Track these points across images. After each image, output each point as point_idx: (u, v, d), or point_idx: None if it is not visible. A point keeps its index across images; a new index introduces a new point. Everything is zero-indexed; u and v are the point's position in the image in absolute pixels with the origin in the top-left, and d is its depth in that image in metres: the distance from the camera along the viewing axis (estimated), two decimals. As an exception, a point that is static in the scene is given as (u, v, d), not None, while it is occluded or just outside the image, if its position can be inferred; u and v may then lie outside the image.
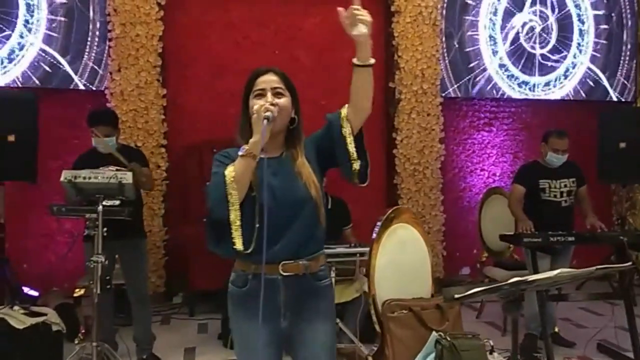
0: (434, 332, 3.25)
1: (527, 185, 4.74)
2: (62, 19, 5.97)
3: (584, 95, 7.29)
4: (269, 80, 2.22)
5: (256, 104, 2.15)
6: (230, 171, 2.08)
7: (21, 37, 5.91)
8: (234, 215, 2.09)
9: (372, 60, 2.12)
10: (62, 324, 4.18)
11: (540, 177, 4.72)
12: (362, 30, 2.06)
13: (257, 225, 2.08)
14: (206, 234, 2.22)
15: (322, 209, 2.21)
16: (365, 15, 2.06)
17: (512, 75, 7.04)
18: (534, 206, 4.68)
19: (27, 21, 5.92)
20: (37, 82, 5.95)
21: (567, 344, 4.77)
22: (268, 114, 2.10)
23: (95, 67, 6.03)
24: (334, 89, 6.51)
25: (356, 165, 2.19)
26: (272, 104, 2.14)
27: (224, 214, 2.09)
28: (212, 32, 6.37)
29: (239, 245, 2.10)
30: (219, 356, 4.57)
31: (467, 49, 6.88)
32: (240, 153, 2.09)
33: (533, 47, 7.11)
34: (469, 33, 6.88)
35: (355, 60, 2.13)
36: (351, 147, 2.18)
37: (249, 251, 2.10)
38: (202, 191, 5.65)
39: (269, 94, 2.18)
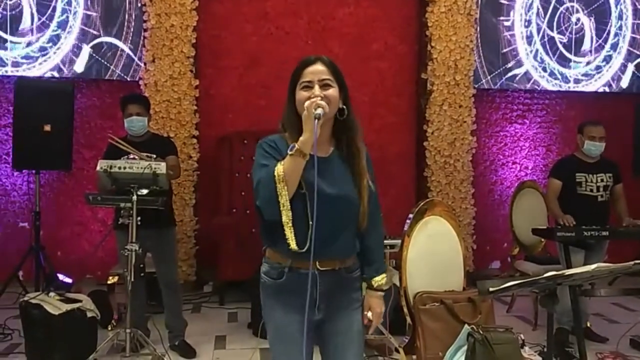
0: (466, 325, 3.23)
1: (564, 178, 4.67)
2: (99, 10, 6.03)
3: (621, 87, 7.14)
4: (317, 71, 2.15)
5: (305, 98, 2.10)
6: (279, 170, 2.03)
7: (58, 28, 5.98)
8: (286, 217, 2.06)
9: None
10: (96, 311, 4.25)
11: (576, 171, 4.64)
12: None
13: (311, 223, 2.04)
14: (261, 234, 2.24)
15: (367, 215, 2.20)
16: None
17: (547, 67, 6.92)
18: (569, 200, 4.61)
19: (64, 12, 5.99)
20: (73, 72, 6.01)
21: (600, 340, 4.71)
22: (319, 111, 2.04)
23: (130, 57, 6.07)
24: (365, 81, 6.51)
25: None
26: (322, 98, 2.08)
27: (275, 214, 2.07)
28: (246, 23, 6.37)
29: (293, 245, 2.09)
30: (249, 344, 4.61)
31: (502, 40, 6.78)
32: (289, 152, 2.04)
33: (569, 38, 6.99)
34: (504, 23, 6.78)
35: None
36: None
37: (304, 250, 2.08)
38: (232, 182, 5.75)
39: (316, 87, 2.13)
